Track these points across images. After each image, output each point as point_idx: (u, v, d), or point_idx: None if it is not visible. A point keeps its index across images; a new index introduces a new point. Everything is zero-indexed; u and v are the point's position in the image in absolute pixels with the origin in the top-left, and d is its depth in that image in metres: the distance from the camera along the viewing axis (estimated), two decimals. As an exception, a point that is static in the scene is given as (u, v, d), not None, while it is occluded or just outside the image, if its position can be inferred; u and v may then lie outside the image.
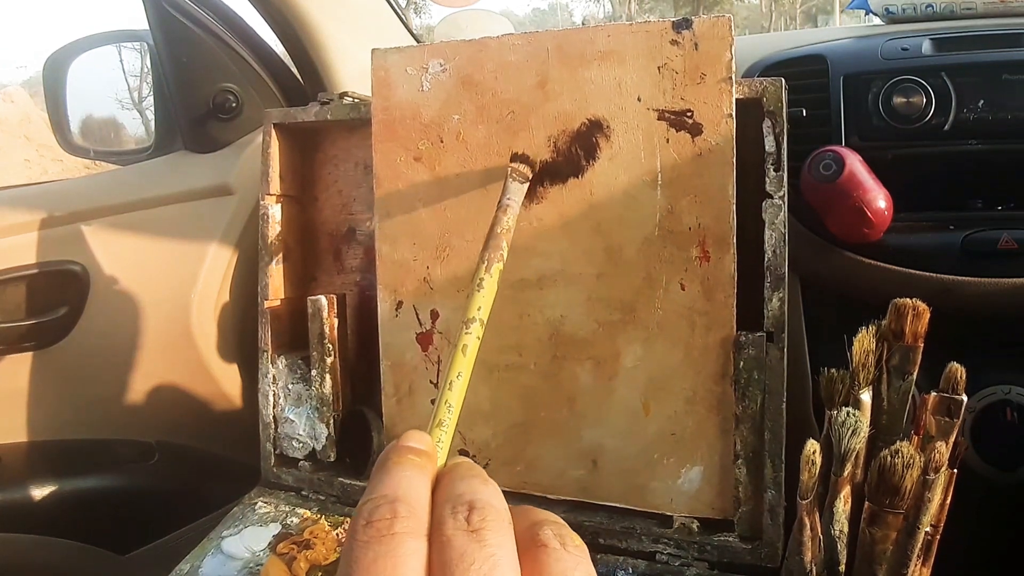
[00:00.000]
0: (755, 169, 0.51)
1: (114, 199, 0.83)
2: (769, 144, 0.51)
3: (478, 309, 0.38)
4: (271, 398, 0.66)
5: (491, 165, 0.56)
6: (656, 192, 0.52)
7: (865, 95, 0.67)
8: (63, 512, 0.80)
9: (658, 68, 0.51)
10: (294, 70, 0.90)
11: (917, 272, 0.63)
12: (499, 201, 0.48)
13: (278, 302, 0.67)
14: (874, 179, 0.61)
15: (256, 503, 0.64)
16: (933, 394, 0.44)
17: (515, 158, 0.53)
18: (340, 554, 0.52)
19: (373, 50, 0.59)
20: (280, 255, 0.67)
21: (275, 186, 0.66)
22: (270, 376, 0.66)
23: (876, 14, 0.83)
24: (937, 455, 0.40)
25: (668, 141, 0.51)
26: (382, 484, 0.23)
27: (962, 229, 0.64)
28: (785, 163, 0.50)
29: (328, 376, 0.63)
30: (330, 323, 0.63)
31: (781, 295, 0.50)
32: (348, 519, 0.61)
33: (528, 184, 0.52)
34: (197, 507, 0.83)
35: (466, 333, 0.36)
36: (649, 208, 0.52)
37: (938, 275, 0.62)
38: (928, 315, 0.45)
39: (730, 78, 0.50)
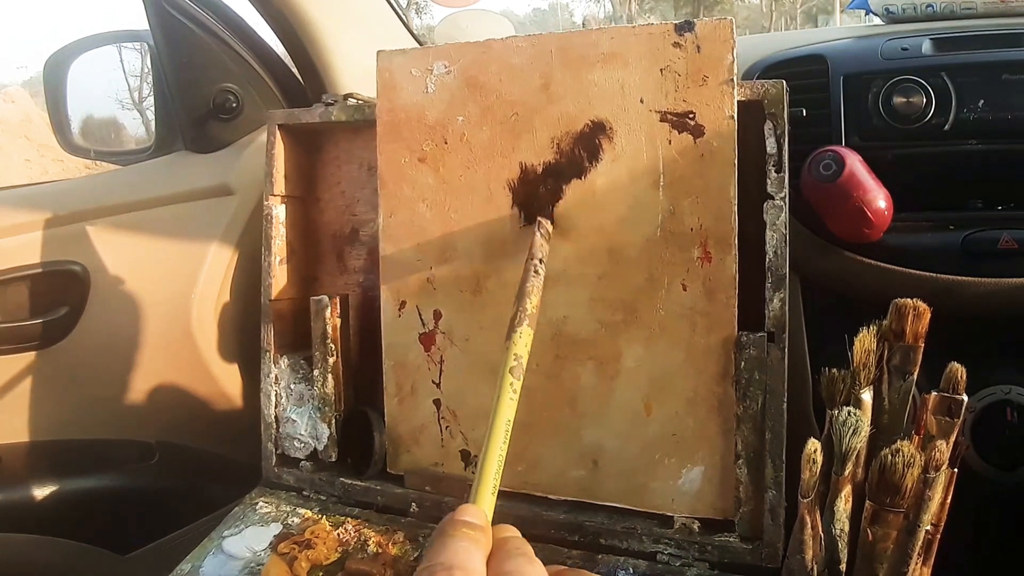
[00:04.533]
0: (756, 170, 0.51)
1: (115, 199, 0.83)
2: (770, 146, 0.51)
3: (511, 379, 0.38)
4: (273, 398, 0.66)
5: (495, 166, 0.56)
6: (658, 193, 0.52)
7: (865, 95, 0.67)
8: (63, 512, 0.80)
9: (660, 70, 0.51)
10: (294, 70, 0.90)
11: (917, 272, 0.63)
12: (528, 260, 0.49)
13: (281, 302, 0.67)
14: (874, 179, 0.61)
15: (257, 503, 0.64)
16: (934, 394, 0.44)
17: (542, 213, 0.54)
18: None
19: (379, 52, 0.59)
20: (283, 255, 0.67)
21: (279, 187, 0.66)
22: (272, 376, 0.66)
23: (876, 14, 0.83)
24: (937, 454, 0.40)
25: (670, 142, 0.51)
26: (440, 553, 0.25)
27: (962, 229, 0.64)
28: (786, 164, 0.51)
29: (330, 376, 0.63)
30: (333, 323, 0.63)
31: (782, 296, 0.51)
32: (349, 519, 0.61)
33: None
34: (198, 507, 0.83)
35: (505, 395, 0.38)
36: (651, 209, 0.52)
37: (938, 275, 0.62)
38: (929, 315, 0.45)
39: (732, 80, 0.50)
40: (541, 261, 0.49)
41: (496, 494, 0.32)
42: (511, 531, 0.29)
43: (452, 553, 0.25)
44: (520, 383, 0.38)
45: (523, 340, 0.42)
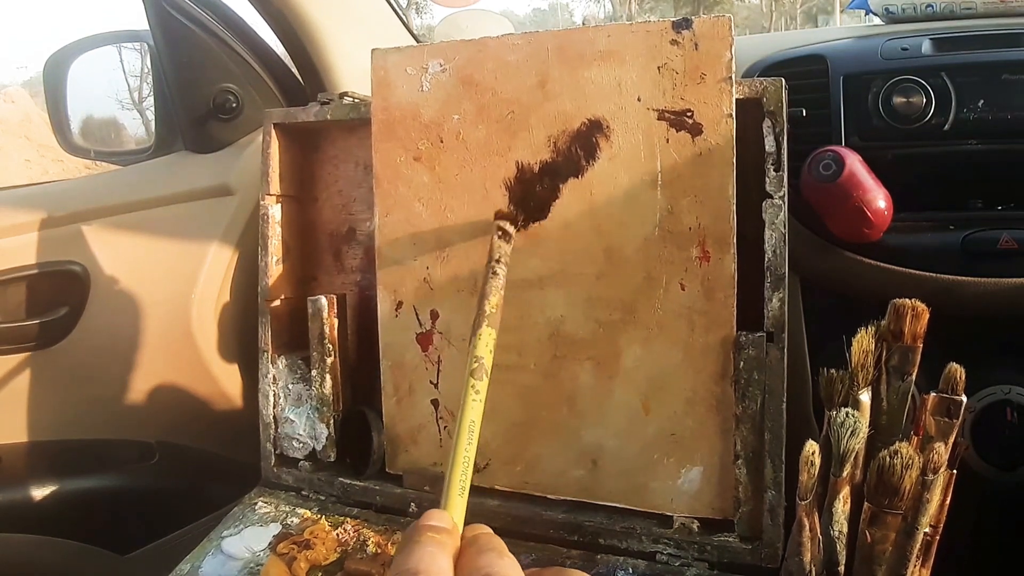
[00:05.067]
0: (755, 169, 0.51)
1: (114, 199, 0.83)
2: (769, 144, 0.51)
3: (473, 380, 0.38)
4: (271, 398, 0.66)
5: (491, 165, 0.56)
6: (656, 192, 0.52)
7: (865, 95, 0.67)
8: (63, 512, 0.80)
9: (658, 68, 0.51)
10: (294, 70, 0.90)
11: (917, 272, 0.63)
12: (488, 263, 0.49)
13: (278, 302, 0.67)
14: (874, 179, 0.61)
15: (256, 503, 0.64)
16: (932, 394, 0.44)
17: (498, 215, 0.54)
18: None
19: (373, 50, 0.59)
20: (280, 255, 0.67)
21: (275, 186, 0.66)
22: (270, 376, 0.66)
23: (876, 14, 0.83)
24: (936, 456, 0.40)
25: (668, 141, 0.51)
26: (406, 559, 0.26)
27: (962, 229, 0.64)
28: (785, 163, 0.50)
29: (328, 376, 0.63)
30: (330, 323, 0.63)
31: (781, 295, 0.50)
32: (348, 519, 0.61)
33: (512, 242, 0.52)
34: (197, 507, 0.83)
35: (468, 397, 0.37)
36: (649, 208, 0.52)
37: (938, 275, 0.62)
38: (927, 316, 0.45)
39: (730, 78, 0.50)
40: (498, 261, 0.49)
41: (465, 495, 0.32)
42: (482, 528, 0.29)
43: (417, 558, 0.26)
44: (483, 383, 0.38)
45: (483, 341, 0.42)
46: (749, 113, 0.51)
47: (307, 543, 0.57)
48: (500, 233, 0.52)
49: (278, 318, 0.67)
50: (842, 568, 0.43)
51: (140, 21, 0.86)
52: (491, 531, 0.29)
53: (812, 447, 0.41)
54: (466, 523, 0.30)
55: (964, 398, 0.43)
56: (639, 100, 0.52)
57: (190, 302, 0.81)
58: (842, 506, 0.43)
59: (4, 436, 0.82)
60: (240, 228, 0.82)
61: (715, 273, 0.51)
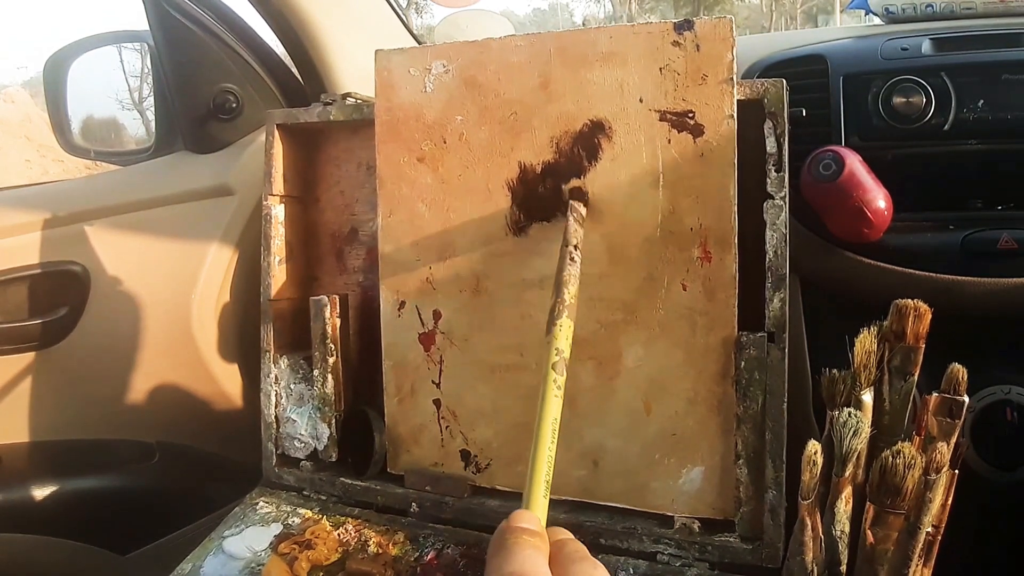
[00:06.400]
0: (756, 170, 0.51)
1: (115, 199, 0.83)
2: (770, 145, 0.51)
3: (555, 375, 0.37)
4: (273, 398, 0.66)
5: (494, 166, 0.56)
6: (658, 193, 0.52)
7: (865, 95, 0.67)
8: (63, 512, 0.80)
9: (660, 69, 0.51)
10: (294, 70, 0.90)
11: (917, 272, 0.63)
12: (563, 247, 0.48)
13: (281, 302, 0.67)
14: (874, 179, 0.61)
15: (257, 503, 0.64)
16: (934, 395, 0.44)
17: (574, 195, 0.53)
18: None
19: (377, 51, 0.59)
20: (283, 255, 0.67)
21: (278, 186, 0.66)
22: (272, 376, 0.66)
23: (876, 14, 0.83)
24: (938, 456, 0.40)
25: (670, 142, 0.51)
26: (507, 562, 0.25)
27: (962, 229, 0.64)
28: (786, 164, 0.51)
29: (330, 376, 0.63)
30: (332, 323, 0.63)
31: (782, 295, 0.50)
32: (349, 519, 0.61)
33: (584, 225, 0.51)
34: (198, 507, 0.83)
35: (550, 393, 0.37)
36: (651, 209, 0.52)
37: (938, 275, 0.62)
38: (929, 316, 0.45)
39: (731, 79, 0.50)
40: (576, 248, 0.48)
41: (548, 496, 0.31)
42: (565, 533, 0.29)
43: (520, 561, 0.25)
44: (564, 378, 0.37)
45: (564, 333, 0.41)
46: (750, 114, 0.51)
47: (308, 543, 0.57)
48: (576, 216, 0.50)
49: (280, 318, 0.67)
50: (844, 568, 0.43)
51: (140, 21, 0.86)
52: (572, 536, 0.28)
53: (814, 447, 0.41)
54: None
55: (966, 398, 0.44)
56: (641, 101, 0.52)
57: (190, 302, 0.81)
58: (844, 506, 0.43)
59: (4, 436, 0.82)
60: (240, 228, 0.82)
61: (716, 273, 0.51)
